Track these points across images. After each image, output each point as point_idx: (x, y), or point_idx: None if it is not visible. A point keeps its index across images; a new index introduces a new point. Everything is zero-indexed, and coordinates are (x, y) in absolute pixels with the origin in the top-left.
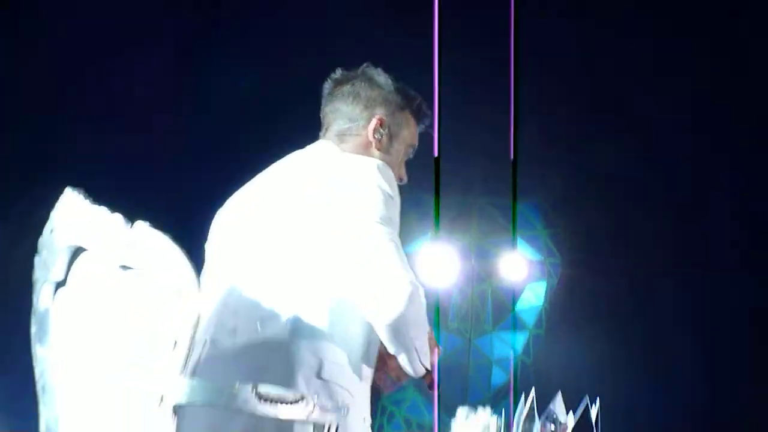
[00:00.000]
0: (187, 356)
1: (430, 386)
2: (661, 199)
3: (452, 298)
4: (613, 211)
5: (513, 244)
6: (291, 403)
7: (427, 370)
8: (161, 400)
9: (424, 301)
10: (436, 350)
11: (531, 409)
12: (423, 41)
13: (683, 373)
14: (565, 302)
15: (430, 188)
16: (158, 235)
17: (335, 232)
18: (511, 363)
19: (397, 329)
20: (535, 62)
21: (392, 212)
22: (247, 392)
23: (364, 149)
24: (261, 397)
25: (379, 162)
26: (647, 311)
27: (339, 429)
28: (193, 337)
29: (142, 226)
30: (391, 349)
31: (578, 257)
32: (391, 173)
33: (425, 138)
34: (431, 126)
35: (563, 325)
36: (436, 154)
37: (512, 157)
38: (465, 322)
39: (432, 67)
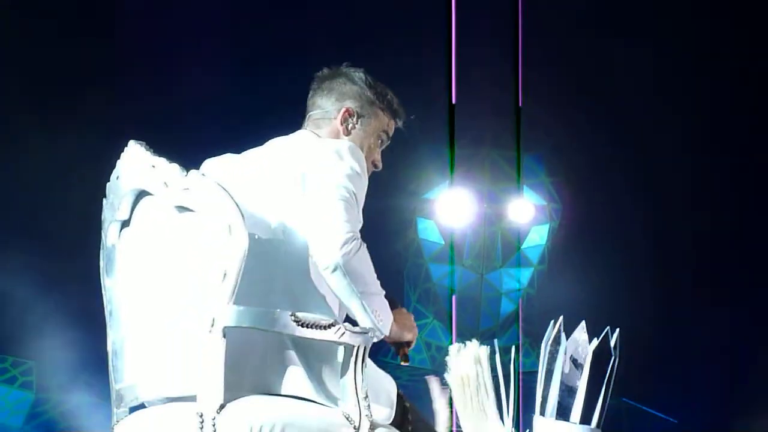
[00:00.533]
0: (235, 286)
1: (403, 359)
2: (650, 143)
3: (466, 239)
4: (604, 162)
5: (519, 190)
6: (324, 327)
7: (401, 343)
8: (213, 323)
9: (365, 256)
10: (411, 330)
11: (558, 333)
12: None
13: (679, 302)
14: (565, 241)
15: (444, 141)
16: (209, 181)
17: (305, 193)
18: (518, 294)
19: (336, 276)
20: (539, 21)
21: (356, 185)
22: (286, 317)
23: (335, 135)
24: (298, 322)
25: (351, 143)
26: (637, 247)
27: (366, 351)
28: (240, 270)
29: (195, 173)
30: (339, 298)
31: (576, 201)
32: (360, 154)
33: (441, 95)
34: (406, 122)
35: (563, 262)
36: (454, 101)
37: (516, 112)
38: (477, 260)
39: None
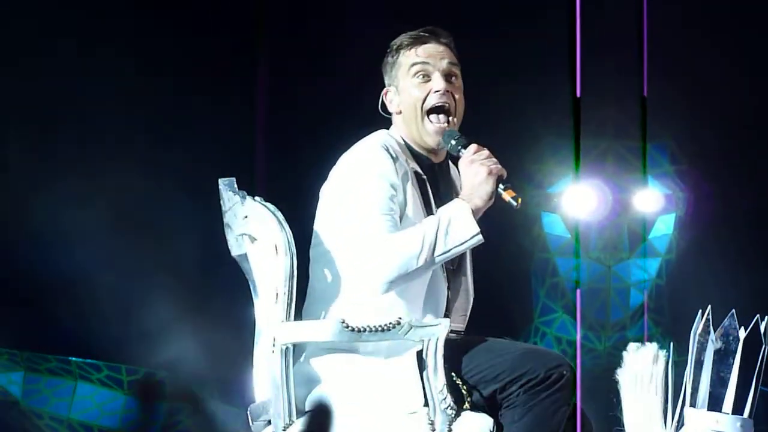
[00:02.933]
0: (288, 303)
1: (513, 200)
2: None
3: (592, 231)
4: (732, 146)
5: (644, 181)
6: (387, 329)
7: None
8: (274, 342)
9: (397, 244)
10: (480, 176)
11: (707, 323)
12: None
13: None
14: (692, 230)
15: (567, 134)
16: (259, 206)
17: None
18: (647, 285)
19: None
20: (664, 8)
21: (370, 194)
22: (337, 325)
23: (395, 123)
24: (348, 328)
25: (351, 158)
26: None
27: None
28: (291, 288)
29: (250, 201)
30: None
31: (703, 190)
32: (367, 161)
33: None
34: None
35: (691, 251)
36: (579, 95)
37: (641, 101)
38: (604, 251)
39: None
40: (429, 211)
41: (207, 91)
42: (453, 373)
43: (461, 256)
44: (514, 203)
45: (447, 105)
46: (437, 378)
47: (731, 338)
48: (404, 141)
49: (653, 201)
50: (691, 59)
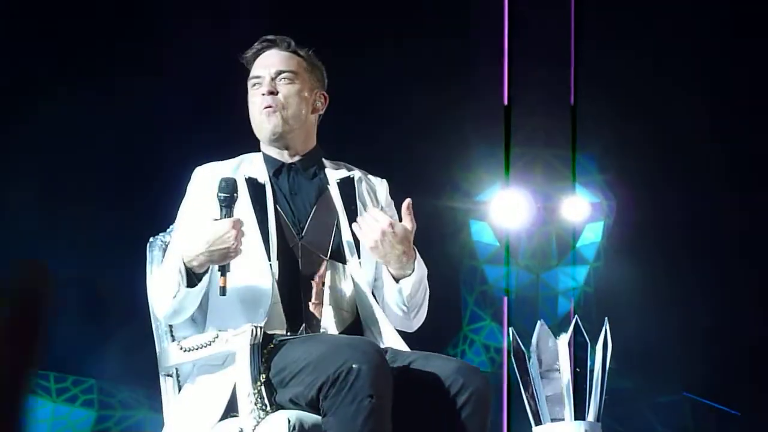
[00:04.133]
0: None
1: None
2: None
3: (521, 239)
4: (660, 154)
5: (572, 189)
6: (209, 344)
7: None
8: None
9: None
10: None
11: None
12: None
13: (739, 299)
14: (620, 238)
15: (498, 141)
16: None
17: None
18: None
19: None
20: (593, 18)
21: (186, 210)
22: (176, 348)
23: None
24: (187, 350)
25: None
26: (695, 242)
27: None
28: None
29: None
30: None
31: (630, 198)
32: (192, 178)
33: (494, 95)
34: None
35: (619, 258)
36: (506, 103)
37: (571, 110)
38: (533, 259)
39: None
40: (263, 216)
41: None
42: (264, 377)
43: (310, 263)
44: (219, 293)
45: (271, 104)
46: (243, 385)
47: (551, 346)
48: (261, 150)
49: (581, 209)
50: (620, 68)
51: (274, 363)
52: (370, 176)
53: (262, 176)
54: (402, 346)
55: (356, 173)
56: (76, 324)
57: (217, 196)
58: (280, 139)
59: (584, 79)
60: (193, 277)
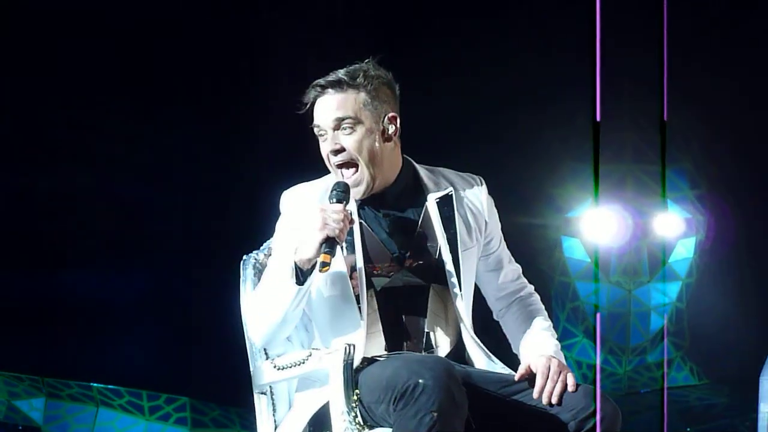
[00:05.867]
0: None
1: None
2: None
3: (612, 255)
4: (752, 168)
5: (664, 204)
6: (302, 362)
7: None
8: None
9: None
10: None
11: None
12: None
13: None
14: (713, 253)
15: (586, 159)
16: None
17: None
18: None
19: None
20: (685, 33)
21: (279, 235)
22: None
23: None
24: (279, 368)
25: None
26: None
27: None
28: None
29: None
30: None
31: (722, 213)
32: (282, 200)
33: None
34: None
35: (711, 274)
36: (598, 119)
37: (661, 125)
38: (624, 276)
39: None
40: (362, 240)
41: None
42: (356, 396)
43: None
44: (319, 267)
45: (342, 161)
46: (336, 403)
47: None
48: None
49: (673, 225)
50: (710, 83)
51: (360, 382)
52: (466, 179)
53: (354, 203)
54: (506, 370)
55: (454, 186)
56: (170, 343)
57: (332, 196)
58: (362, 184)
59: (674, 95)
60: (299, 275)
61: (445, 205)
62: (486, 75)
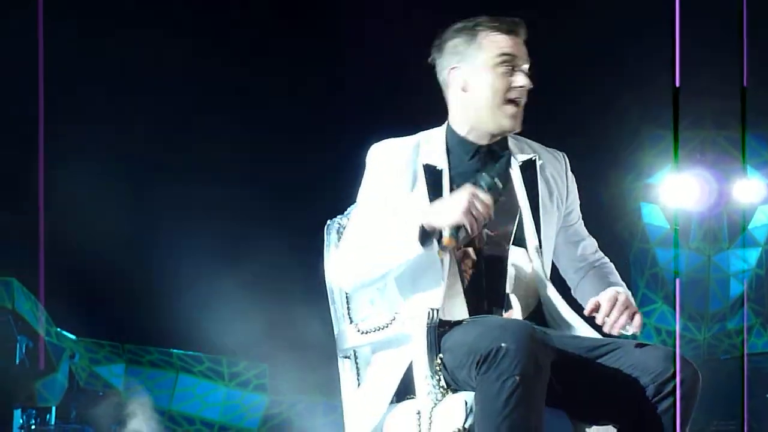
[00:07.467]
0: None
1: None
2: None
3: (692, 221)
4: None
5: (744, 170)
6: (385, 326)
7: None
8: None
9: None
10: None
11: None
12: None
13: None
14: None
15: (666, 124)
16: None
17: None
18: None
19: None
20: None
21: (367, 187)
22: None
23: (451, 106)
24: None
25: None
26: None
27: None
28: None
29: None
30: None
31: None
32: (372, 151)
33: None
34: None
35: None
36: (677, 84)
37: (741, 92)
38: (704, 242)
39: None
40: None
41: None
42: (440, 360)
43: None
44: (439, 245)
45: (521, 101)
46: (420, 367)
47: None
48: (448, 127)
49: (753, 191)
50: None
51: (443, 346)
52: (549, 151)
53: (441, 161)
54: (589, 332)
55: (538, 154)
56: (249, 310)
57: (487, 182)
58: (502, 135)
59: (755, 61)
60: (425, 237)
61: (528, 169)
62: (564, 36)
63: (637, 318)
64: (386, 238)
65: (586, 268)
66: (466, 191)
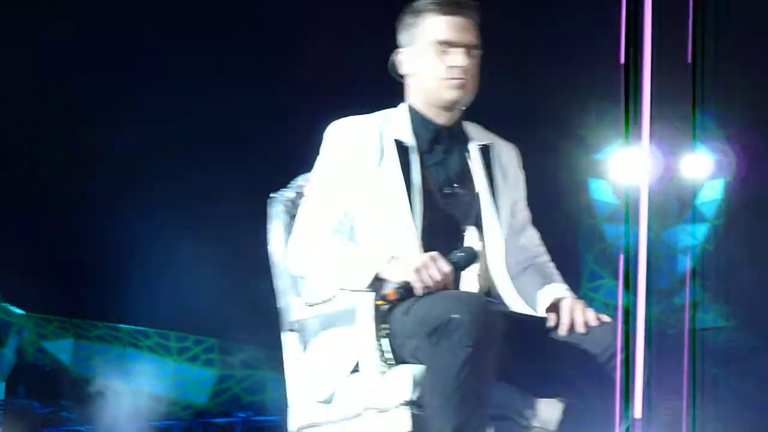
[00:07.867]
0: None
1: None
2: None
3: (640, 197)
4: None
5: (693, 145)
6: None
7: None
8: None
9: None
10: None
11: None
12: None
13: None
14: (742, 195)
15: (616, 100)
16: None
17: None
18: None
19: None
20: None
21: (326, 164)
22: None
23: (406, 85)
24: (311, 305)
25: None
26: None
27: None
28: None
29: None
30: None
31: (751, 154)
32: (330, 133)
33: (613, 52)
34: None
35: (740, 215)
36: (622, 62)
37: (691, 67)
38: (652, 218)
39: None
40: (409, 181)
41: None
42: (386, 332)
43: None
44: (377, 297)
45: (464, 79)
46: (365, 339)
47: None
48: (409, 107)
49: (702, 166)
50: (740, 26)
51: (392, 318)
52: (504, 143)
53: (409, 138)
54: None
55: (492, 141)
56: (198, 284)
57: (456, 257)
58: (453, 108)
59: (706, 37)
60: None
61: (485, 153)
62: (513, 10)
63: (590, 314)
64: (343, 256)
65: (527, 261)
66: (428, 255)
